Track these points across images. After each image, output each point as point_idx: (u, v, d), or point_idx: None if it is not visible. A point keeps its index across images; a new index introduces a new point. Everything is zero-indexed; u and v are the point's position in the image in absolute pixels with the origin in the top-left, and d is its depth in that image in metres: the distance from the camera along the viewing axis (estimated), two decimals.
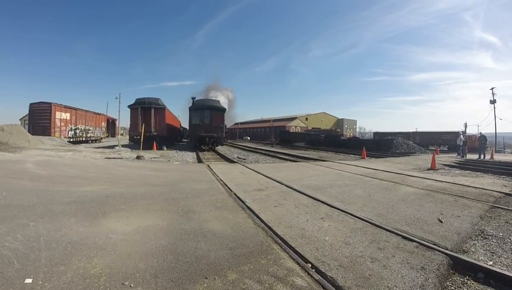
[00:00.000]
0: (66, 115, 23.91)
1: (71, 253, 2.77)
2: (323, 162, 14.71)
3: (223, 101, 61.16)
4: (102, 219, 3.91)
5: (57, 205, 4.46)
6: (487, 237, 3.91)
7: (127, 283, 2.29)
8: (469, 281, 2.77)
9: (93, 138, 29.30)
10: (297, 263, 2.83)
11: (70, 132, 24.39)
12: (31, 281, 2.23)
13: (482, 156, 18.88)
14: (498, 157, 20.62)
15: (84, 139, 26.70)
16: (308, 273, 2.65)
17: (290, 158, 18.06)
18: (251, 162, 15.36)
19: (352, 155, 22.40)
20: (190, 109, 23.98)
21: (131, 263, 2.64)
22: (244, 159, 16.69)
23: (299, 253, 3.07)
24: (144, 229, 3.58)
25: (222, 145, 26.58)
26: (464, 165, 13.86)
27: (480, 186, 7.78)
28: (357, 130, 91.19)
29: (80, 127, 26.06)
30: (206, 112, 23.50)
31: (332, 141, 40.16)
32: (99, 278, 2.33)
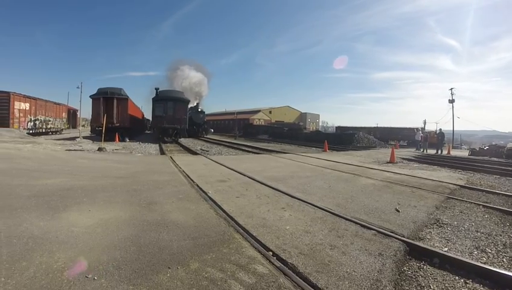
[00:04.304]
0: (26, 105, 22.32)
1: (33, 248, 2.69)
2: (285, 154, 14.96)
3: (193, 75, 57.20)
4: (64, 212, 3.80)
5: (16, 199, 4.26)
6: (442, 225, 4.15)
7: (90, 276, 2.27)
8: (425, 266, 2.92)
9: (54, 130, 27.67)
10: (259, 251, 2.91)
11: (29, 123, 22.83)
12: None
13: (439, 151, 20.11)
14: (455, 152, 22.05)
15: (44, 130, 25.10)
16: (270, 261, 2.71)
17: (253, 150, 18.16)
18: (214, 154, 15.27)
19: (314, 148, 22.77)
20: (153, 100, 23.53)
21: (94, 256, 2.61)
22: (207, 151, 16.55)
23: (261, 242, 3.14)
24: (106, 222, 3.53)
25: (185, 137, 26.26)
26: (422, 159, 14.58)
27: (437, 179, 8.12)
28: (320, 124, 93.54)
29: (39, 118, 24.44)
30: (170, 103, 23.22)
31: (295, 134, 41.03)
32: (62, 273, 2.29)
